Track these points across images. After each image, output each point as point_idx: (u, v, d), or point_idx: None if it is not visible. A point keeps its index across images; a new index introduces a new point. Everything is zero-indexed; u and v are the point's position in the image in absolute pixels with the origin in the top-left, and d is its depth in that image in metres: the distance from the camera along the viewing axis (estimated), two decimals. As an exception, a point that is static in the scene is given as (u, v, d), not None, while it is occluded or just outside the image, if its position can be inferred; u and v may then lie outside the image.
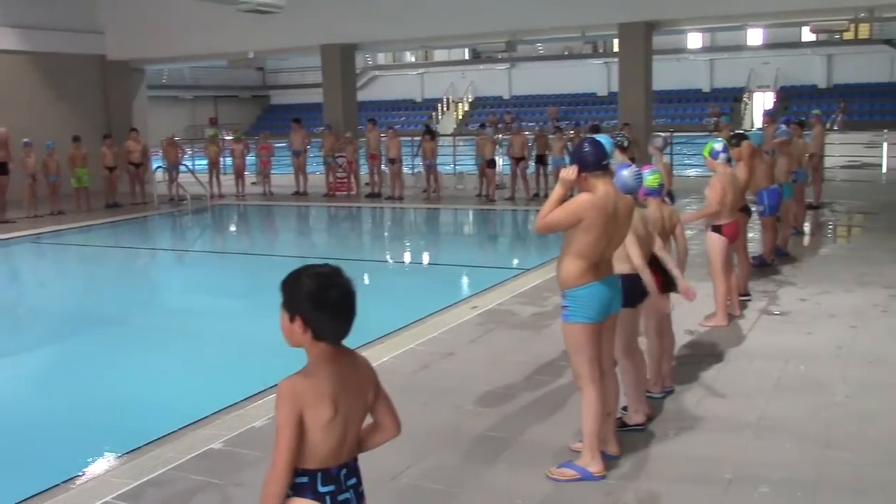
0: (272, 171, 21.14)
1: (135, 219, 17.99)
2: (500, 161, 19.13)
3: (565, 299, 4.49)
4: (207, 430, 5.53)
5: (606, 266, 4.54)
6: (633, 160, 6.18)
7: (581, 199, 4.43)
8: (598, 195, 4.42)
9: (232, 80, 50.24)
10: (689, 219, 7.62)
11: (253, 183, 21.76)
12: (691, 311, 7.75)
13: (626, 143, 7.22)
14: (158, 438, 5.43)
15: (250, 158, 21.70)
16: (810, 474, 4.56)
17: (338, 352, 2.64)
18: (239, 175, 20.63)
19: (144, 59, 24.00)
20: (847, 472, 4.57)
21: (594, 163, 4.47)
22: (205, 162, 21.37)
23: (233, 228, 18.88)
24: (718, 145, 7.60)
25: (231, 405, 5.97)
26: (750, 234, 10.28)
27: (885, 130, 20.98)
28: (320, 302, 2.54)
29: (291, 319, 2.58)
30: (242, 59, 25.99)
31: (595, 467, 4.53)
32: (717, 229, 7.48)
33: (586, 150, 4.52)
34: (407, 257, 14.49)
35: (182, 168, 20.45)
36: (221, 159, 21.76)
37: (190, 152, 26.19)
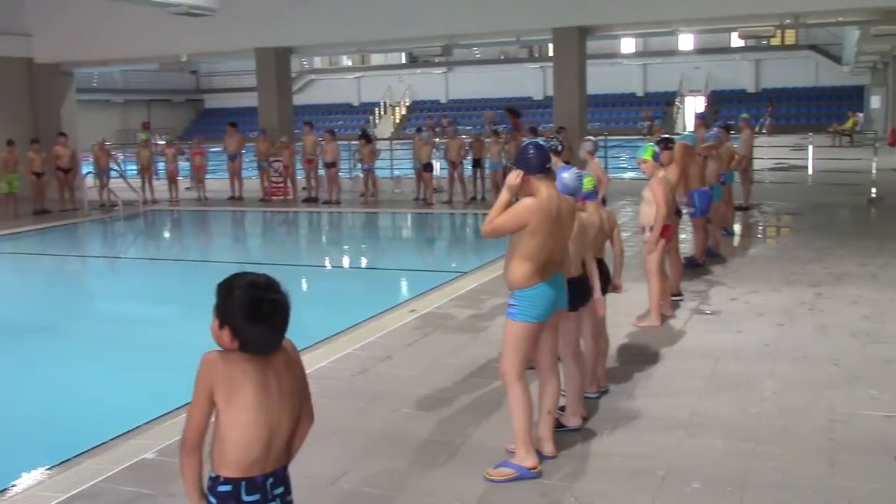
0: (207, 176, 20.85)
1: (64, 225, 17.57)
2: (438, 165, 19.17)
3: (513, 298, 4.58)
4: (140, 440, 5.43)
5: (553, 267, 4.63)
6: (567, 164, 6.27)
7: (525, 203, 4.51)
8: (542, 198, 4.50)
9: (165, 84, 49.45)
10: (652, 240, 7.65)
11: (187, 188, 21.44)
12: (627, 313, 7.90)
13: (559, 148, 7.31)
14: (89, 449, 5.30)
15: (184, 163, 21.38)
16: (739, 469, 4.66)
17: (263, 363, 2.58)
18: (172, 180, 20.30)
19: (74, 61, 23.44)
20: (774, 466, 4.69)
21: (538, 166, 4.56)
22: (137, 167, 20.96)
23: (166, 234, 18.56)
24: (658, 149, 7.76)
25: (164, 414, 5.87)
26: (682, 236, 10.50)
27: (810, 133, 21.60)
28: (251, 316, 2.49)
29: (221, 326, 2.55)
30: (175, 62, 25.54)
31: (530, 462, 4.60)
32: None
33: (530, 153, 4.61)
34: (345, 262, 14.42)
35: (112, 173, 20.03)
36: (154, 164, 21.40)
37: (122, 157, 25.68)
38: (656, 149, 7.73)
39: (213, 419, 2.66)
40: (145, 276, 13.30)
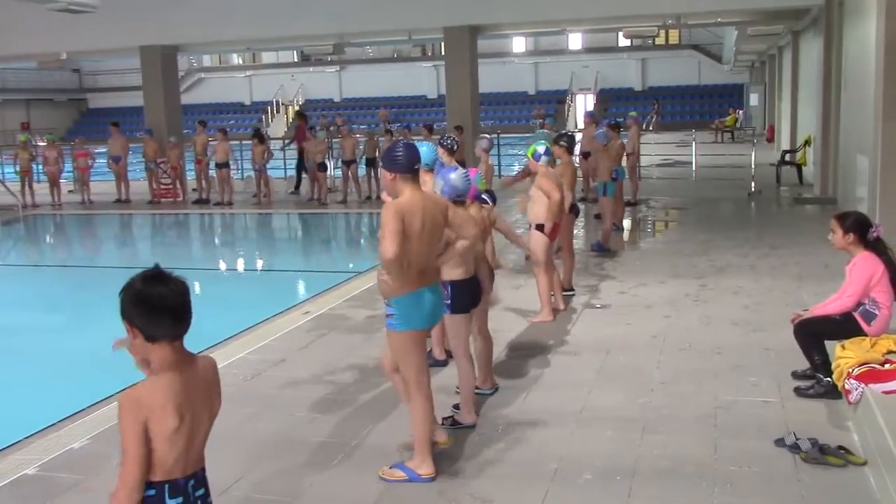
0: (91, 179, 20.11)
1: (-63, 232, 16.68)
2: (331, 164, 19.03)
3: (390, 307, 4.48)
4: (20, 455, 5.19)
5: (427, 273, 4.53)
6: (462, 163, 6.31)
7: (388, 211, 4.31)
8: (404, 200, 4.38)
9: (45, 83, 47.53)
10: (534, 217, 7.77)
11: (70, 191, 20.64)
12: (520, 309, 8.01)
13: (455, 147, 7.36)
14: (-36, 468, 5.05)
15: (67, 165, 20.54)
16: (629, 459, 4.79)
17: (180, 359, 2.62)
18: (54, 183, 19.46)
19: (-57, 59, 22.32)
20: (662, 454, 4.84)
21: (405, 165, 4.42)
22: (15, 170, 20.02)
23: (49, 239, 17.82)
24: (541, 148, 7.86)
25: (46, 427, 5.63)
26: (575, 231, 10.70)
27: (694, 130, 22.38)
28: (143, 299, 2.54)
29: (127, 329, 2.58)
30: (54, 60, 24.55)
31: (424, 469, 4.58)
32: (540, 228, 7.72)
33: (398, 152, 4.47)
34: (238, 264, 14.16)
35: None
36: (34, 166, 20.51)
37: (-1, 160, 24.53)
38: (538, 148, 7.84)
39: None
40: (26, 284, 12.73)
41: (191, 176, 19.74)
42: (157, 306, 2.54)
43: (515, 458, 4.91)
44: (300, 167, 19.67)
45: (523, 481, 4.61)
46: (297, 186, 19.75)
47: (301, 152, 19.41)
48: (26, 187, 19.32)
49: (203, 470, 2.74)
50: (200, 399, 2.65)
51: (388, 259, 4.23)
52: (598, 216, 12.12)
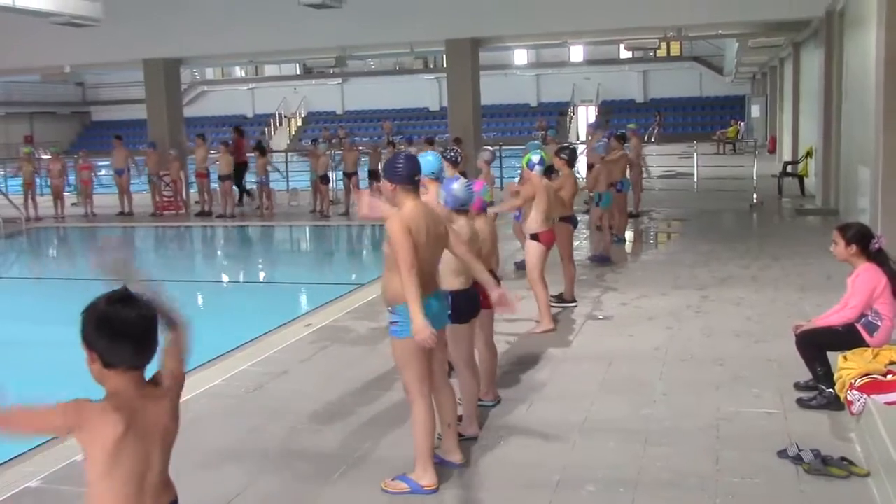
0: (94, 192, 20.16)
1: (-60, 245, 16.72)
2: (334, 176, 19.08)
3: (393, 314, 4.48)
4: (24, 467, 5.20)
5: (432, 281, 4.55)
6: (464, 174, 6.33)
7: (395, 226, 4.31)
8: (407, 211, 4.39)
9: (49, 96, 47.70)
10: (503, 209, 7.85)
11: (73, 204, 20.69)
12: (521, 320, 8.01)
13: (458, 159, 7.37)
14: (-33, 480, 5.06)
15: (71, 178, 20.61)
16: (632, 470, 4.79)
17: (135, 392, 2.44)
18: (57, 196, 19.50)
19: (-52, 73, 22.41)
20: (664, 465, 4.84)
21: (406, 177, 4.43)
22: (19, 182, 20.08)
23: (52, 252, 17.86)
24: (535, 157, 7.89)
25: (49, 439, 5.62)
26: (576, 243, 10.71)
27: (696, 142, 22.41)
28: (105, 322, 2.38)
29: (85, 352, 2.43)
30: (58, 73, 24.66)
31: (426, 481, 4.57)
32: (534, 237, 7.74)
33: (399, 163, 4.48)
34: (240, 276, 14.18)
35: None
36: (38, 179, 20.56)
37: (2, 173, 24.64)
38: (532, 157, 7.88)
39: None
40: (29, 297, 12.76)
41: (193, 189, 19.77)
42: (118, 331, 2.38)
43: (518, 469, 4.90)
44: (240, 182, 19.71)
45: (526, 493, 4.60)
46: (240, 200, 19.79)
47: (239, 166, 19.44)
48: (29, 200, 19.37)
49: (173, 502, 2.58)
50: (152, 432, 2.46)
51: (408, 272, 4.25)
52: (599, 227, 12.14)
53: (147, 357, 2.46)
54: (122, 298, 2.43)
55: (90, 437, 2.37)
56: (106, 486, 2.40)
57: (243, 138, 20.40)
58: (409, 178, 4.45)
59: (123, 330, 2.38)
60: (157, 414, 2.49)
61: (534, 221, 7.73)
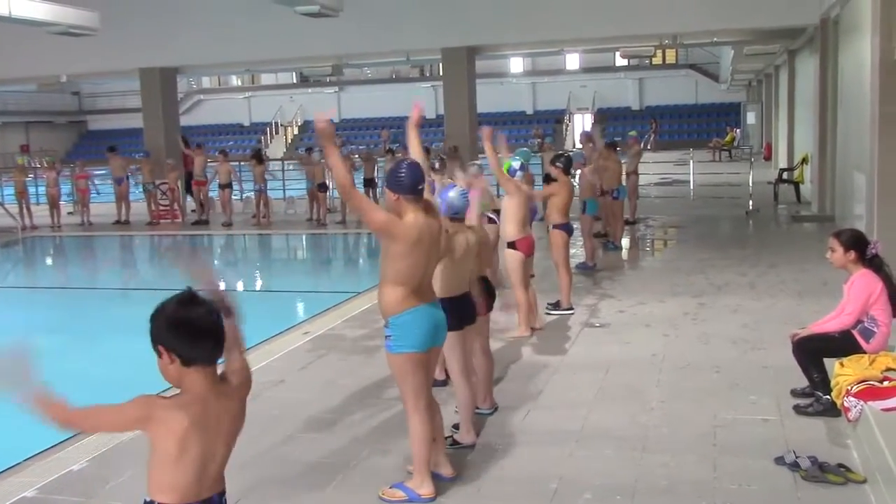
0: (91, 201, 20.14)
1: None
2: (331, 185, 19.07)
3: (388, 328, 4.45)
4: (20, 477, 5.18)
5: (430, 291, 4.55)
6: (451, 183, 6.32)
7: (401, 220, 4.36)
8: (407, 222, 4.34)
9: (45, 105, 47.70)
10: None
11: (70, 213, 20.67)
12: (513, 328, 8.01)
13: (436, 165, 7.39)
14: (-37, 491, 5.04)
15: (67, 187, 20.60)
16: (629, 478, 4.78)
17: (211, 385, 2.61)
18: (53, 205, 19.51)
19: (-56, 82, 22.41)
20: (662, 473, 4.83)
21: (409, 186, 4.36)
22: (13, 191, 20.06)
23: (48, 261, 17.84)
24: (516, 164, 7.93)
25: (47, 448, 5.62)
26: (572, 251, 10.72)
27: (692, 149, 22.46)
28: (182, 322, 2.53)
29: (159, 355, 2.56)
30: (54, 83, 24.70)
31: (424, 490, 4.56)
32: (511, 245, 7.73)
33: (402, 173, 4.39)
34: (237, 285, 14.14)
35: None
36: (35, 188, 20.54)
37: (-3, 182, 24.58)
38: (513, 164, 7.90)
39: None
40: (25, 306, 12.73)
41: (190, 197, 19.77)
42: (196, 330, 2.54)
43: (515, 477, 4.89)
44: (189, 189, 19.77)
45: (523, 501, 4.60)
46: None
47: (189, 175, 19.51)
48: (23, 209, 19.34)
49: (221, 493, 2.73)
50: (219, 426, 2.63)
51: (344, 191, 4.32)
52: (596, 234, 12.16)
53: (220, 351, 2.63)
54: (190, 299, 2.58)
55: (160, 430, 2.53)
56: (169, 473, 2.57)
57: (188, 145, 20.33)
58: (413, 187, 4.36)
59: (200, 328, 2.55)
60: (226, 409, 2.66)
61: (510, 229, 7.69)
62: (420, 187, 4.40)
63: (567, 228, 8.96)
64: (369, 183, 17.92)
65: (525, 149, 9.76)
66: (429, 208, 4.54)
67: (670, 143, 38.87)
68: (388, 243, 4.37)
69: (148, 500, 2.64)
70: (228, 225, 18.28)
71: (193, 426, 2.53)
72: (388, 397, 6.29)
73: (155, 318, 2.55)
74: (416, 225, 4.35)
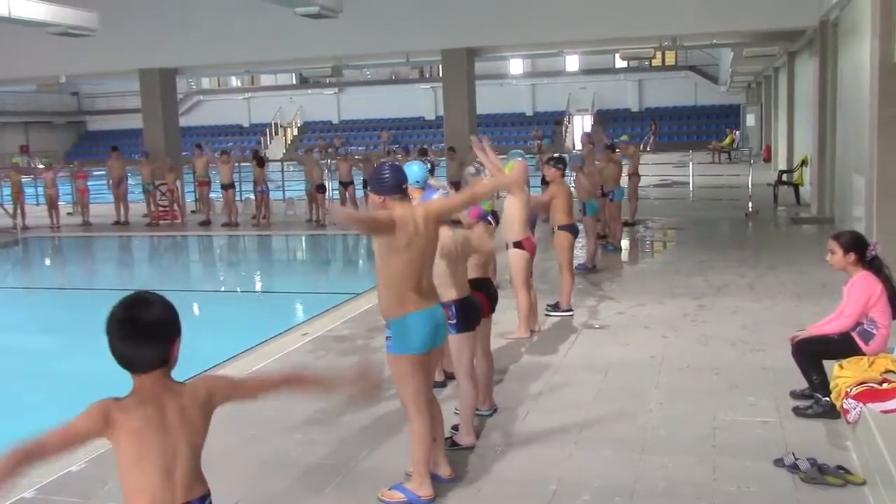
0: (91, 201, 20.14)
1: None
2: (330, 186, 19.09)
3: (388, 329, 4.46)
4: (18, 478, 5.16)
5: (432, 292, 4.54)
6: (456, 185, 6.32)
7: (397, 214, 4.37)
8: (400, 214, 4.36)
9: (44, 106, 47.68)
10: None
11: (69, 213, 20.66)
12: (514, 330, 8.00)
13: (429, 167, 7.41)
14: (-39, 491, 5.02)
15: (66, 187, 20.59)
16: (628, 480, 4.78)
17: (158, 386, 2.54)
18: (52, 205, 19.50)
19: (-57, 83, 22.40)
20: (660, 474, 4.83)
21: (393, 187, 4.44)
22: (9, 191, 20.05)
23: (47, 261, 17.83)
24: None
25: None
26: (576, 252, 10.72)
27: (691, 151, 22.46)
28: (111, 329, 2.50)
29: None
30: (53, 83, 24.71)
31: (424, 492, 4.56)
32: (517, 245, 7.73)
33: (385, 174, 4.46)
34: (236, 286, 14.16)
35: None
36: (34, 189, 20.53)
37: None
38: (514, 164, 7.91)
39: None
40: (22, 306, 12.74)
41: (191, 198, 19.78)
42: (121, 334, 2.49)
43: (514, 479, 4.89)
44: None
45: (522, 502, 4.59)
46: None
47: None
48: (19, 210, 19.32)
49: (202, 499, 2.65)
50: (173, 429, 2.55)
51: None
52: (601, 236, 12.16)
53: (143, 359, 2.53)
54: (136, 301, 2.53)
55: (116, 433, 2.49)
56: (135, 478, 2.53)
57: (116, 150, 20.30)
58: (397, 187, 4.45)
59: (136, 331, 2.49)
60: (181, 409, 2.58)
61: (516, 229, 7.69)
62: (404, 186, 4.49)
63: (572, 229, 8.95)
64: (367, 184, 17.86)
65: (518, 150, 9.78)
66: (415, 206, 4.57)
67: (670, 144, 38.86)
68: (389, 240, 4.37)
69: None
70: (234, 225, 18.25)
71: (149, 424, 2.50)
72: (387, 398, 6.28)
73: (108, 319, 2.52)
74: (410, 215, 4.38)
